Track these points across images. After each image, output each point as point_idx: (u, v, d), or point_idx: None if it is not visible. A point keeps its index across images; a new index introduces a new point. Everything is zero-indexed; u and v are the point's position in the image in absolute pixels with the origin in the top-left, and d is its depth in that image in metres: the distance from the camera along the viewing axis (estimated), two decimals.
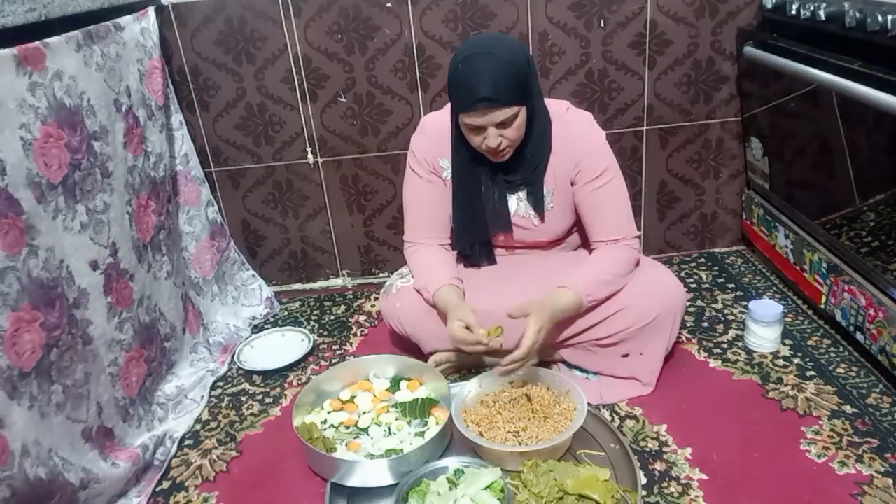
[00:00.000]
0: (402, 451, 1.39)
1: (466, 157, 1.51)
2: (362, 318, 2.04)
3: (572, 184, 1.54)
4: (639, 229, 2.17)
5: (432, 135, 1.57)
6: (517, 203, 1.58)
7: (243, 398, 1.72)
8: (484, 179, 1.55)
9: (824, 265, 1.68)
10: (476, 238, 1.63)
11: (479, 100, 1.33)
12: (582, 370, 1.62)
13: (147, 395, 1.58)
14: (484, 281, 1.63)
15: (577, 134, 1.51)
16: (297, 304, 2.16)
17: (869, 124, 1.42)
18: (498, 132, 1.39)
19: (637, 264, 1.54)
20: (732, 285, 2.01)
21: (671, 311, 1.52)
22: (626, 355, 1.54)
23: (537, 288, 1.55)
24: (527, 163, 1.51)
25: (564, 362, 1.64)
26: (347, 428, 1.49)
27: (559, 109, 1.53)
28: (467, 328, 1.41)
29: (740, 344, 1.72)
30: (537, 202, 1.56)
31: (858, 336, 1.57)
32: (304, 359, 1.85)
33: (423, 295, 1.58)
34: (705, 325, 1.82)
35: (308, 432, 1.42)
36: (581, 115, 1.54)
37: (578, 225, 1.65)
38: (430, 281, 1.56)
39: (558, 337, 1.56)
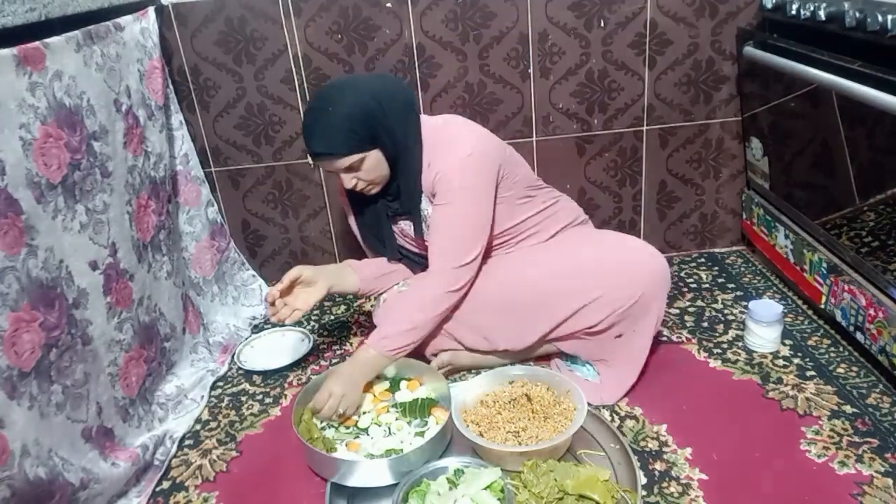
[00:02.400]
0: (402, 451, 1.39)
1: (349, 194, 1.57)
2: (362, 318, 2.04)
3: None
4: (639, 230, 2.18)
5: None
6: (407, 226, 1.62)
7: (243, 398, 1.72)
8: (370, 207, 1.61)
9: (824, 265, 1.68)
10: (385, 254, 1.69)
11: (313, 154, 1.43)
12: (581, 366, 1.62)
13: (147, 395, 1.58)
14: None
15: (437, 155, 1.48)
16: None
17: (869, 124, 1.42)
18: (350, 175, 1.45)
19: (460, 290, 1.52)
20: (732, 285, 2.01)
21: (656, 287, 1.49)
22: (619, 335, 1.52)
23: (495, 278, 1.57)
24: (401, 194, 1.54)
25: (562, 353, 1.62)
26: (347, 428, 1.49)
27: (434, 126, 1.51)
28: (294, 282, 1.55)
29: (740, 344, 1.72)
30: (417, 229, 1.58)
31: (858, 336, 1.57)
32: (304, 359, 1.85)
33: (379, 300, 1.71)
34: (705, 325, 1.82)
35: (308, 432, 1.42)
36: (446, 132, 1.50)
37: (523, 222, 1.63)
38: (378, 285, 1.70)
39: (541, 333, 1.55)
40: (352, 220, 1.72)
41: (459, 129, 1.52)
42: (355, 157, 1.41)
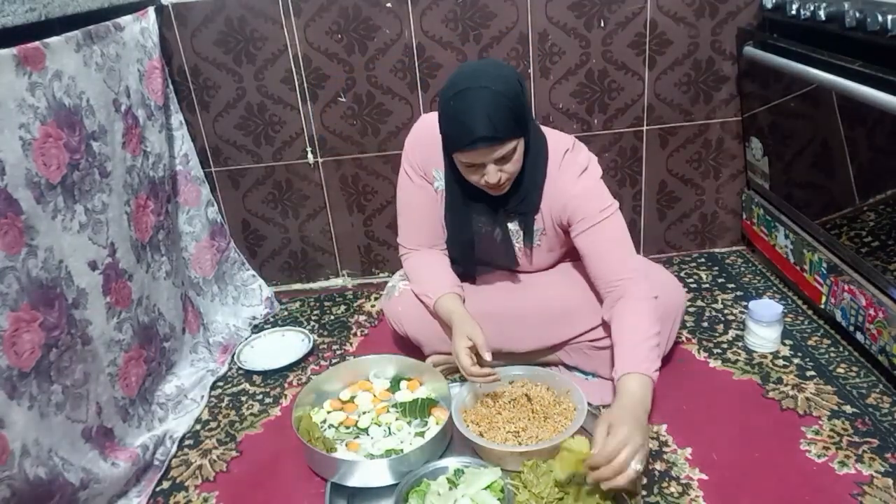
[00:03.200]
0: (402, 451, 1.39)
1: (458, 192, 1.46)
2: (362, 318, 2.04)
3: (566, 232, 1.50)
4: (639, 230, 2.18)
5: (426, 140, 1.50)
6: (511, 232, 1.56)
7: (243, 398, 1.72)
8: (482, 214, 1.49)
9: (824, 265, 1.68)
10: (466, 265, 1.60)
11: (476, 139, 1.26)
12: (581, 371, 1.62)
13: (147, 395, 1.58)
14: (479, 285, 1.64)
15: (568, 178, 1.44)
16: (297, 304, 2.16)
17: (869, 124, 1.42)
18: (497, 168, 1.32)
19: (656, 299, 1.43)
20: (732, 285, 2.01)
21: (670, 314, 1.52)
22: None
23: (541, 288, 1.55)
24: (521, 189, 1.44)
25: (563, 364, 1.64)
26: (347, 428, 1.49)
27: (559, 148, 1.46)
28: (472, 347, 1.39)
29: (740, 344, 1.72)
30: (527, 233, 1.51)
31: (858, 336, 1.57)
32: (304, 359, 1.85)
33: (424, 302, 1.56)
34: (705, 325, 1.82)
35: (308, 432, 1.42)
36: (577, 159, 1.46)
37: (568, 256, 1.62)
38: (431, 289, 1.54)
39: (556, 339, 1.56)
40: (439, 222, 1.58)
41: (574, 155, 1.46)
42: (512, 144, 1.30)
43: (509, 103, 1.27)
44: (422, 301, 1.57)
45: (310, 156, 2.07)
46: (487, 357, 1.38)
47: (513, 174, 1.36)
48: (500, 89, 1.27)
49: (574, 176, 1.44)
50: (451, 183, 1.48)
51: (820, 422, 1.43)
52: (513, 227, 1.53)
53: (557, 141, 1.47)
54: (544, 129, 1.48)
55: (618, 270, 1.42)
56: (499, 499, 1.23)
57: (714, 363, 1.66)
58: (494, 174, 1.32)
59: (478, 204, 1.48)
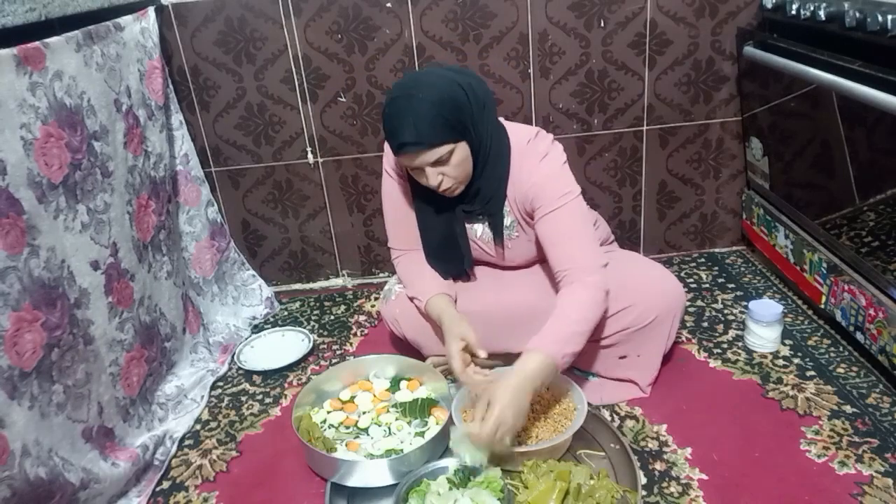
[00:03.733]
0: (402, 451, 1.39)
1: (423, 190, 1.47)
2: (362, 317, 2.04)
3: (531, 217, 1.49)
4: (639, 230, 2.18)
5: None
6: (482, 229, 1.57)
7: (243, 398, 1.72)
8: (442, 208, 1.51)
9: (824, 265, 1.68)
10: (449, 269, 1.61)
11: (401, 144, 1.32)
12: (581, 371, 1.62)
13: (147, 395, 1.58)
14: (469, 283, 1.64)
15: (528, 166, 1.44)
16: (297, 304, 2.16)
17: (869, 124, 1.42)
18: (436, 171, 1.35)
19: (606, 295, 1.42)
20: (732, 285, 2.01)
21: (670, 313, 1.52)
22: (623, 357, 1.54)
23: (523, 289, 1.55)
24: (482, 193, 1.47)
25: None
26: (347, 428, 1.49)
27: (521, 139, 1.47)
28: (467, 348, 1.41)
29: (740, 344, 1.72)
30: (497, 232, 1.53)
31: (858, 336, 1.57)
32: (304, 359, 1.85)
33: (416, 304, 1.58)
34: (705, 325, 1.82)
35: (308, 432, 1.42)
36: (538, 147, 1.46)
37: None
38: (421, 291, 1.55)
39: None
40: (411, 232, 1.61)
41: (537, 143, 1.47)
42: (446, 149, 1.32)
43: (437, 110, 1.29)
44: (414, 303, 1.58)
45: (310, 156, 2.07)
46: (482, 354, 1.39)
47: (457, 177, 1.38)
48: (430, 97, 1.30)
49: (535, 162, 1.44)
50: (417, 193, 1.51)
51: (820, 422, 1.43)
52: (482, 227, 1.56)
53: (519, 133, 1.48)
54: (508, 124, 1.49)
55: (571, 257, 1.41)
56: (499, 499, 1.23)
57: (714, 363, 1.66)
58: (434, 177, 1.36)
59: (445, 205, 1.50)
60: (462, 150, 1.35)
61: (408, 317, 1.63)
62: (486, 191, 1.46)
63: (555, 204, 1.41)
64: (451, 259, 1.59)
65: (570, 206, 1.42)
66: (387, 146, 1.55)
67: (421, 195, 1.51)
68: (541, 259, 1.63)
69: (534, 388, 1.29)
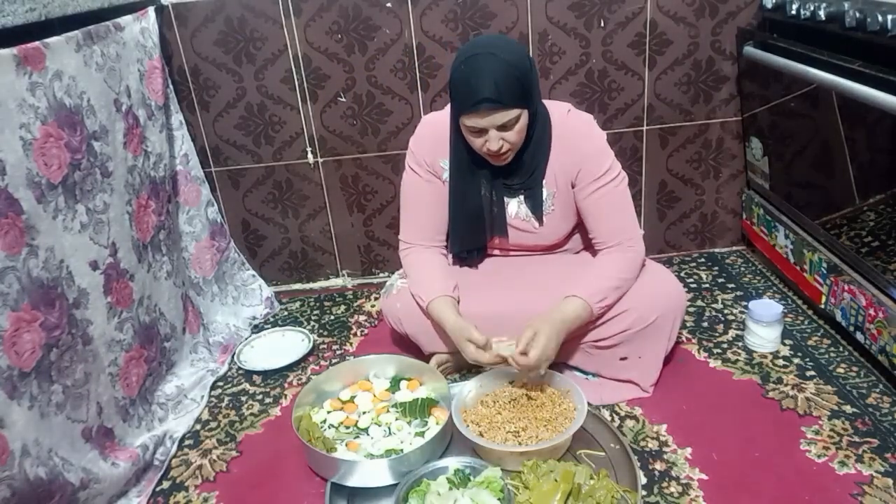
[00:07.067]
0: (402, 451, 1.39)
1: (465, 159, 1.50)
2: (362, 317, 2.04)
3: (573, 186, 1.53)
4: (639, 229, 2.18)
5: (432, 135, 1.55)
6: (517, 206, 1.58)
7: (243, 398, 1.72)
8: (482, 182, 1.53)
9: (824, 265, 1.68)
10: (471, 242, 1.62)
11: (480, 100, 1.31)
12: (581, 371, 1.63)
13: (147, 395, 1.58)
14: (479, 282, 1.63)
15: (576, 136, 1.49)
16: (297, 304, 2.16)
17: (869, 124, 1.42)
18: (499, 135, 1.37)
19: (643, 265, 1.54)
20: (732, 285, 2.01)
21: (671, 314, 1.52)
22: (624, 358, 1.54)
23: (533, 291, 1.55)
24: (526, 166, 1.50)
25: (564, 363, 1.64)
26: (347, 428, 1.49)
27: (560, 111, 1.51)
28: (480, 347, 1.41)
29: (740, 344, 1.72)
30: (535, 205, 1.55)
31: (858, 336, 1.57)
32: (304, 359, 1.85)
33: (418, 301, 1.57)
34: (705, 325, 1.82)
35: (308, 432, 1.42)
36: (582, 118, 1.52)
37: (581, 228, 1.64)
38: (425, 290, 1.55)
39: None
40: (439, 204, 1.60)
41: (576, 115, 1.52)
42: (515, 113, 1.34)
43: (515, 73, 1.32)
44: (415, 299, 1.58)
45: (310, 156, 2.07)
46: (501, 344, 1.42)
47: (515, 144, 1.41)
48: (509, 59, 1.32)
49: (584, 134, 1.50)
50: (456, 164, 1.52)
51: (820, 422, 1.43)
52: (519, 202, 1.57)
53: (556, 107, 1.53)
54: (545, 101, 1.53)
55: (622, 230, 1.51)
56: (499, 499, 1.23)
57: (714, 363, 1.66)
58: (496, 141, 1.37)
59: (481, 171, 1.52)
60: (524, 119, 1.38)
61: (409, 312, 1.62)
62: (529, 164, 1.50)
63: (606, 178, 1.48)
64: (478, 231, 1.61)
65: (617, 180, 1.50)
66: (413, 143, 1.58)
67: (461, 168, 1.52)
68: (565, 241, 1.66)
69: (568, 329, 1.42)
